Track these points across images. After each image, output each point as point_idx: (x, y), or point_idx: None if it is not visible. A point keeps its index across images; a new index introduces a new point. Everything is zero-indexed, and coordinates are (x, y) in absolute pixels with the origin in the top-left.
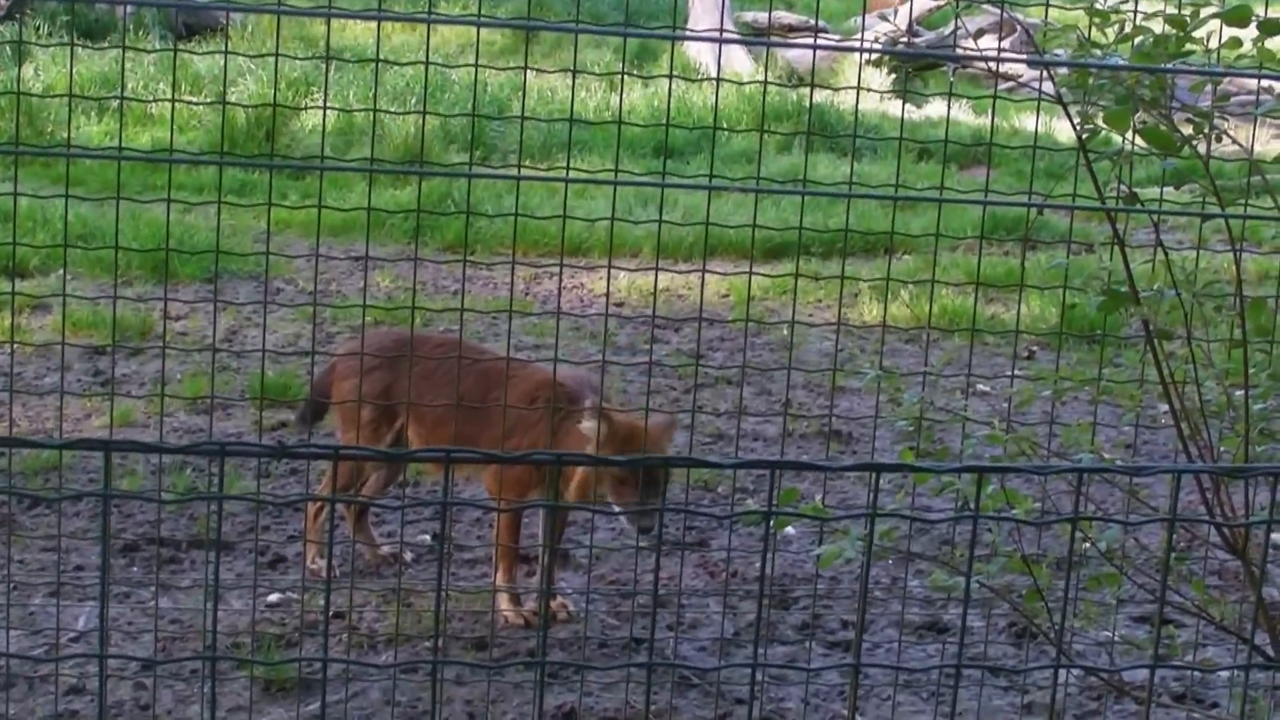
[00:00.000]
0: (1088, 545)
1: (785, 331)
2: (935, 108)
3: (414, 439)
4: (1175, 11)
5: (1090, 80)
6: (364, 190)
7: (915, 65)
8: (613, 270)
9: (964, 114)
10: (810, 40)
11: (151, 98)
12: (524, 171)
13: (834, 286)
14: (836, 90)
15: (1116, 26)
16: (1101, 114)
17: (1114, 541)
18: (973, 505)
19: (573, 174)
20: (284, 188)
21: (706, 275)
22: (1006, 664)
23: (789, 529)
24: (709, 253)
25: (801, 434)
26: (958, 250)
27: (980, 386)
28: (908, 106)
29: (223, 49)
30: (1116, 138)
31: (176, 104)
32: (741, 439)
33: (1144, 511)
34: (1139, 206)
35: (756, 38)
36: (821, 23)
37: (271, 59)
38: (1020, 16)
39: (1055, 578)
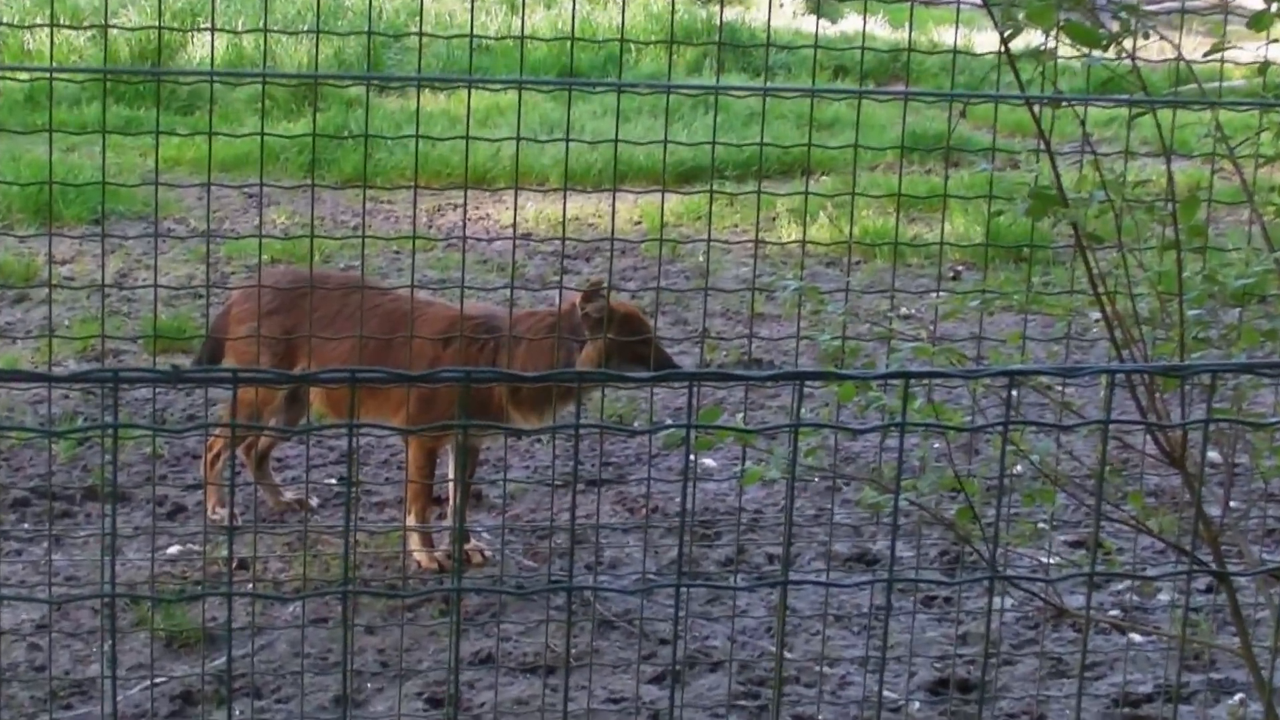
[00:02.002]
0: (1020, 465)
1: (700, 257)
2: (850, 22)
3: (313, 391)
4: None
5: None
6: (255, 124)
7: None
8: (520, 198)
9: (880, 28)
10: None
11: (28, 25)
12: (424, 99)
13: (750, 209)
14: (748, 7)
15: None
16: (1024, 11)
17: (1047, 454)
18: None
19: (479, 98)
20: (171, 124)
21: (617, 201)
22: (938, 591)
23: (709, 460)
24: (620, 179)
25: (720, 364)
26: (878, 169)
27: (904, 310)
28: (822, 21)
29: None
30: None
31: (56, 32)
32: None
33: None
34: (1065, 100)
35: None
36: None
37: None
38: None
39: (988, 500)
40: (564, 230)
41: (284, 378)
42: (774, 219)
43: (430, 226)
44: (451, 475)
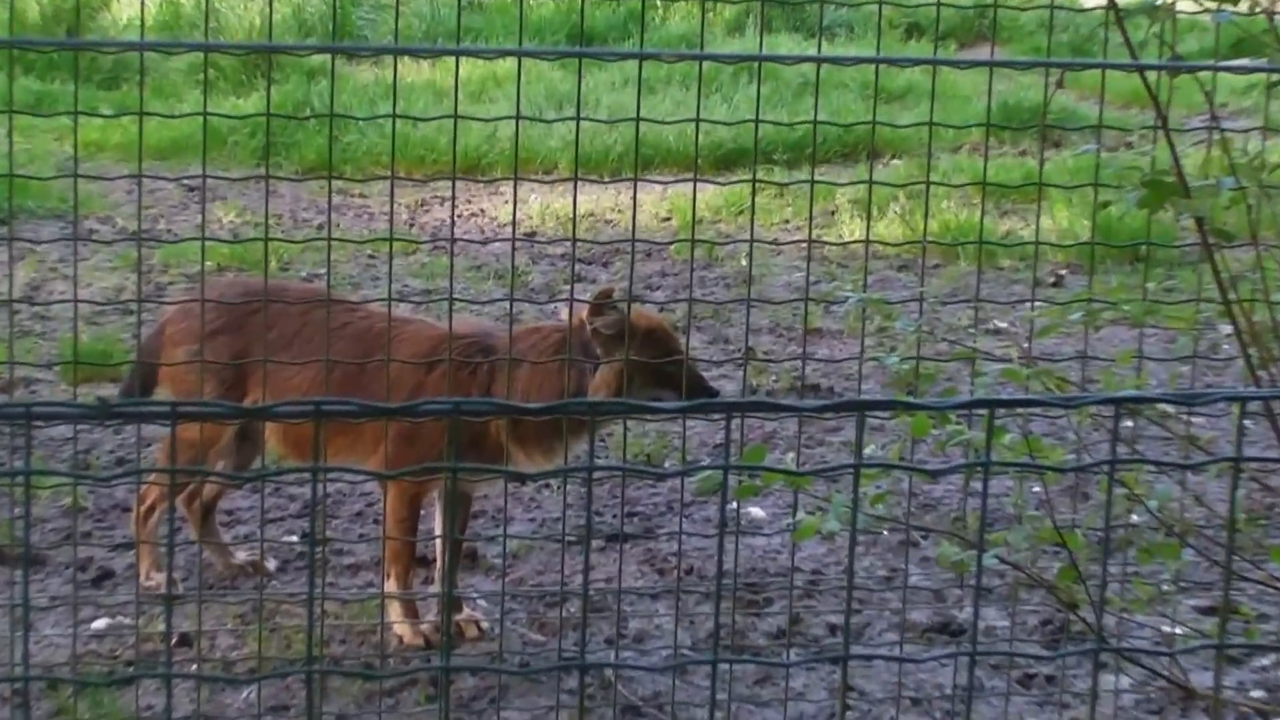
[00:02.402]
0: (1136, 514)
1: (743, 261)
2: None
3: (269, 427)
4: None
5: None
6: (196, 100)
7: None
8: (522, 190)
9: None
10: None
11: None
12: (403, 69)
13: (803, 201)
14: None
15: None
16: None
17: (1168, 499)
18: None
19: (470, 68)
20: (93, 101)
21: (641, 193)
22: (1038, 668)
23: (755, 509)
24: (643, 166)
25: (768, 390)
26: (960, 151)
27: (993, 324)
28: None
29: None
30: None
31: None
32: None
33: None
34: (1186, 66)
35: None
36: None
37: None
38: None
39: (1096, 556)
40: (575, 229)
41: (233, 411)
42: (833, 213)
43: (412, 225)
44: (439, 530)
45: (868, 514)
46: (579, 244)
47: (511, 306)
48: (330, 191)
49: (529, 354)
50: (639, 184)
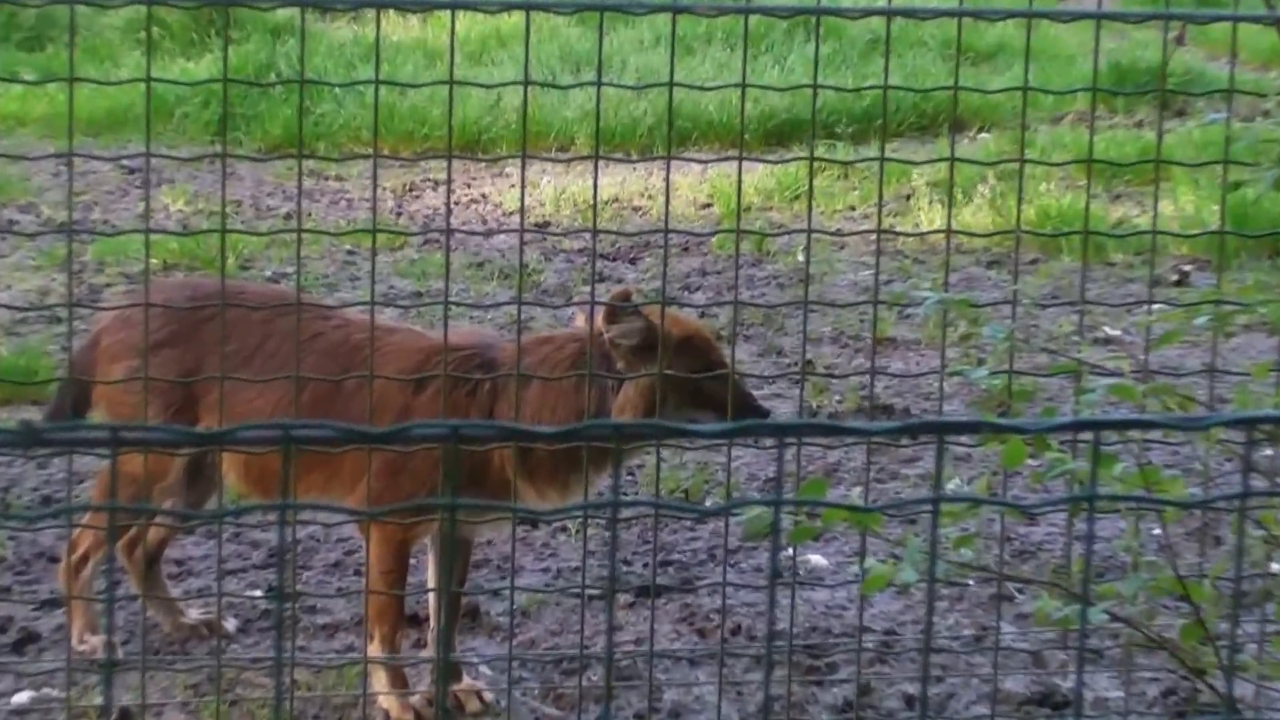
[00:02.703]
0: (1273, 559)
1: (800, 255)
2: None
3: (228, 458)
4: None
5: None
6: (138, 64)
7: None
8: (532, 170)
9: None
10: None
11: None
12: (387, 25)
13: (872, 182)
14: None
15: None
16: None
17: None
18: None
19: (469, 23)
20: (12, 65)
21: (676, 173)
22: None
23: (816, 556)
24: (679, 142)
25: (831, 412)
26: (1063, 121)
27: (1106, 329)
28: None
29: None
30: None
31: None
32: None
33: None
34: None
35: None
36: None
37: None
38: None
39: (1227, 611)
40: (595, 218)
41: (185, 438)
42: (908, 197)
43: (399, 214)
44: (433, 582)
45: (951, 561)
46: (601, 236)
47: (520, 311)
48: (300, 173)
49: (540, 369)
50: (673, 163)
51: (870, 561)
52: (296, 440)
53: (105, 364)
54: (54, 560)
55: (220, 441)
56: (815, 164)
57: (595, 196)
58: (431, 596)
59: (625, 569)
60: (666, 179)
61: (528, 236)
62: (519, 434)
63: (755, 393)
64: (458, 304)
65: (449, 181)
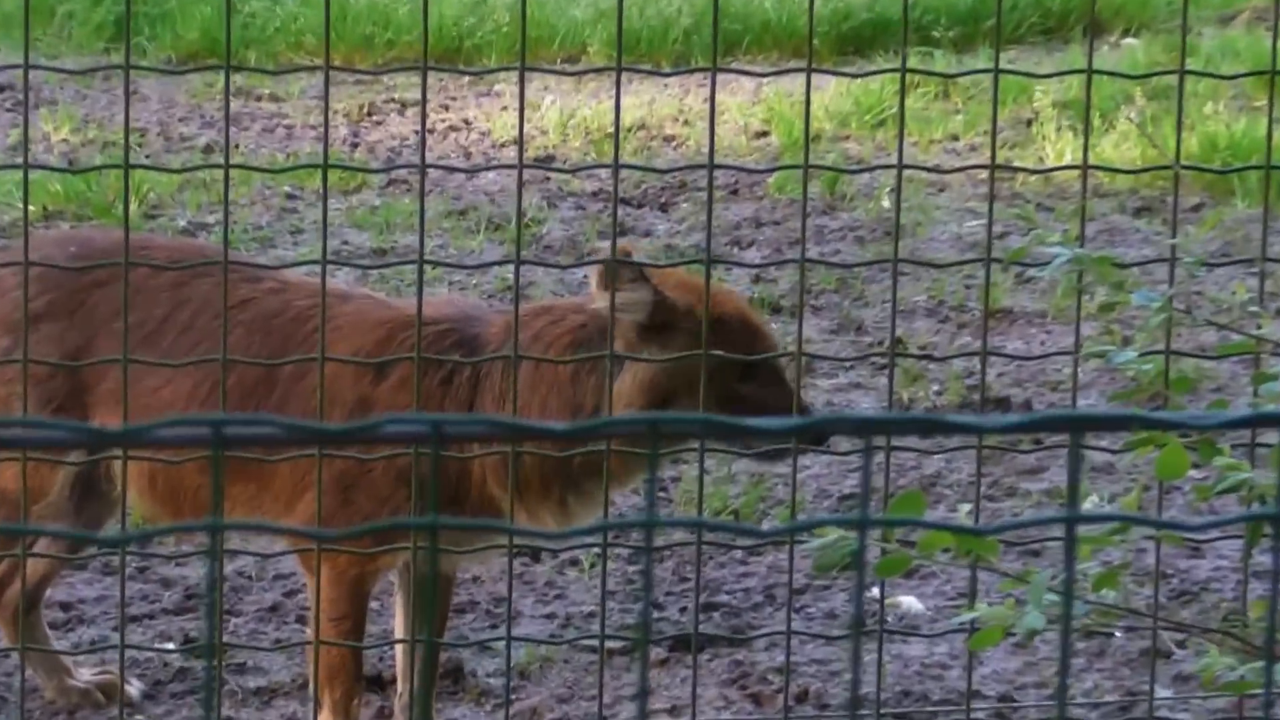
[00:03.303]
0: None
1: (886, 200)
2: None
3: (131, 466)
4: None
5: None
6: None
7: None
8: (531, 87)
9: None
10: None
11: None
12: None
13: (981, 104)
14: None
15: None
16: None
17: None
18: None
19: None
20: None
21: (723, 91)
22: None
23: (909, 598)
24: (726, 50)
25: (930, 402)
26: (1234, 22)
27: None
28: None
29: None
30: None
31: None
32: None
33: None
34: None
35: None
36: None
37: None
38: None
39: None
40: (617, 149)
41: (79, 438)
42: (1029, 123)
43: (355, 146)
44: (403, 632)
45: (1090, 603)
46: (624, 173)
47: (518, 273)
48: (228, 92)
49: (533, 347)
50: (719, 78)
51: (983, 606)
52: (230, 440)
53: None
54: None
55: (124, 443)
56: (907, 78)
57: (617, 121)
58: (400, 651)
59: (657, 614)
60: (711, 99)
61: (527, 175)
62: (520, 431)
63: (827, 383)
64: (434, 263)
65: (423, 102)
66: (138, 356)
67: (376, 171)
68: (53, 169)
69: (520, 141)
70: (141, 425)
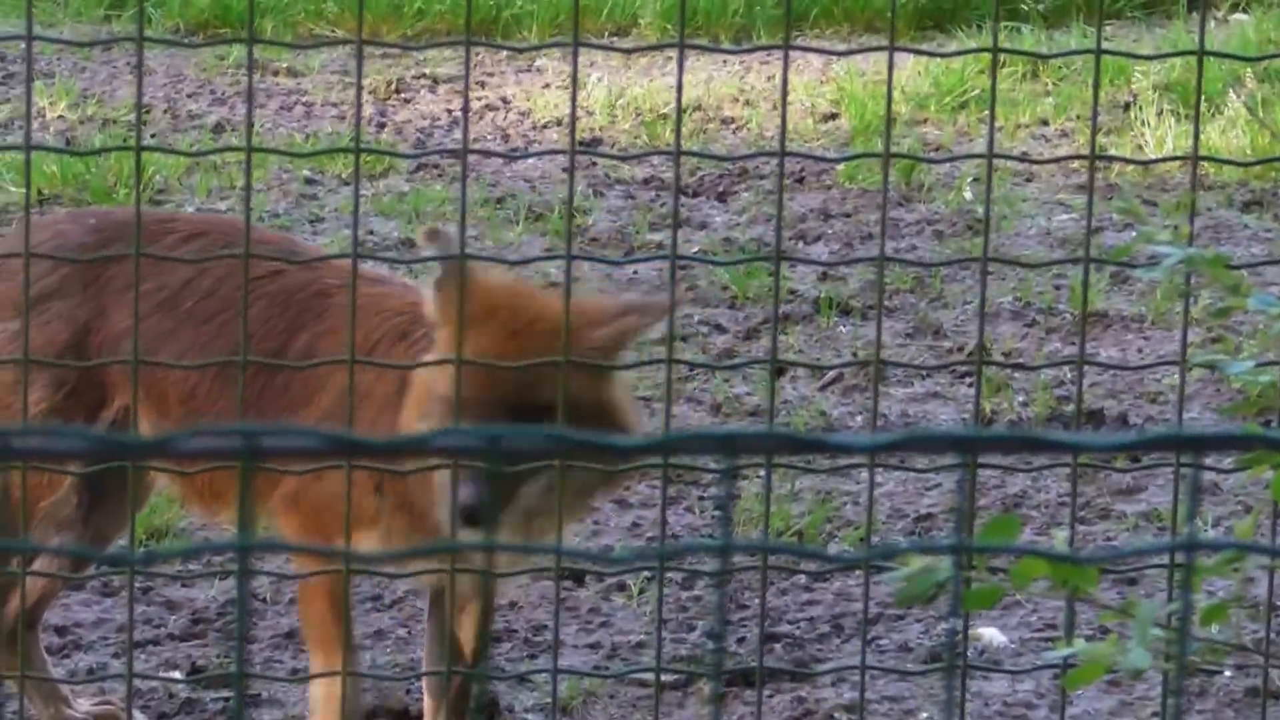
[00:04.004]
0: None
1: (967, 191)
2: None
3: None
4: None
5: None
6: None
7: None
8: (583, 62)
9: None
10: None
11: None
12: None
13: (1075, 85)
14: None
15: None
16: None
17: None
18: None
19: None
20: None
21: (792, 70)
22: None
23: (991, 630)
24: (793, 25)
25: (1015, 414)
26: None
27: None
28: None
29: None
30: None
31: None
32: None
33: None
34: None
35: None
36: None
37: None
38: None
39: None
40: (679, 131)
41: (97, 447)
42: (1126, 107)
43: (382, 126)
44: (432, 661)
45: (1200, 640)
46: (685, 159)
47: (569, 269)
48: (251, 67)
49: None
50: (789, 53)
51: (1080, 643)
52: (261, 454)
53: None
54: None
55: (148, 454)
56: (997, 57)
57: (679, 103)
58: (428, 683)
59: (710, 646)
60: (784, 79)
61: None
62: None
63: (902, 392)
64: (475, 257)
65: (466, 79)
66: (154, 321)
67: (413, 156)
68: (60, 150)
69: (573, 124)
70: (168, 435)
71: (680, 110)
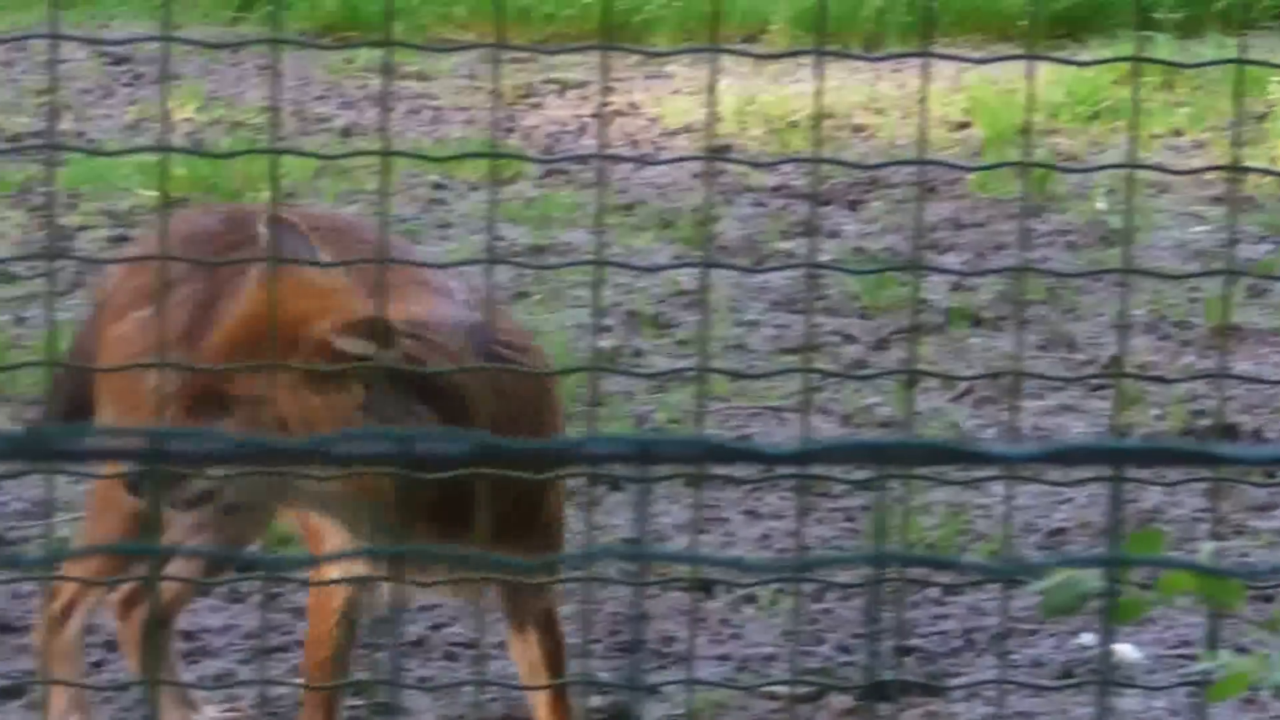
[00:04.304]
0: None
1: (1100, 201)
2: None
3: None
4: None
5: None
6: None
7: None
8: (700, 68)
9: None
10: None
11: None
12: None
13: (1212, 94)
14: None
15: None
16: None
17: None
18: None
19: None
20: None
21: (918, 76)
22: None
23: (1125, 647)
24: (924, 33)
25: (1149, 428)
26: None
27: None
28: None
29: None
30: None
31: None
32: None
33: None
34: None
35: None
36: None
37: None
38: None
39: None
40: (819, 139)
41: (243, 451)
42: (1262, 117)
43: (509, 131)
44: (527, 672)
45: None
46: (808, 166)
47: (705, 276)
48: (388, 72)
49: None
50: (928, 61)
51: (1225, 657)
52: (419, 462)
53: (112, 327)
54: (6, 629)
55: (303, 459)
56: (1129, 66)
57: (818, 111)
58: (542, 697)
59: (842, 659)
60: (924, 86)
61: (701, 167)
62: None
63: (1034, 404)
64: (613, 264)
65: (602, 86)
66: None
67: (548, 161)
68: (197, 153)
69: (709, 129)
70: (325, 438)
71: (819, 117)
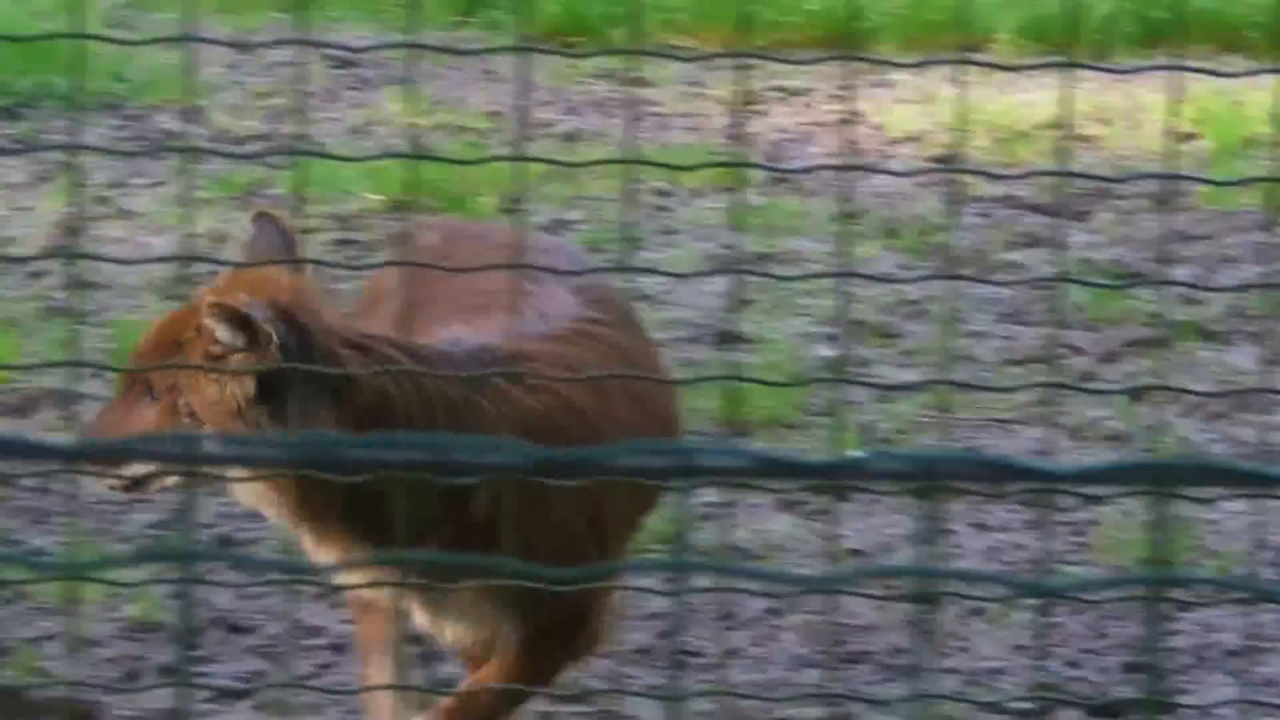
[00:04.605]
0: None
1: None
2: None
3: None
4: None
5: None
6: None
7: None
8: (924, 77)
9: None
10: None
11: None
12: None
13: None
14: None
15: None
16: None
17: None
18: None
19: None
20: None
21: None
22: None
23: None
24: (1152, 43)
25: None
26: None
27: None
28: None
29: None
30: None
31: None
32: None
33: None
34: None
35: None
36: None
37: None
38: None
39: None
40: (1060, 155)
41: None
42: None
43: (735, 138)
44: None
45: None
46: (1031, 180)
47: (951, 289)
48: (631, 78)
49: None
50: (1143, 74)
51: None
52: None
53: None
54: (236, 629)
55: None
56: None
57: (1062, 122)
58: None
59: (1070, 674)
60: (1170, 97)
61: (929, 177)
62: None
63: (1259, 419)
64: (859, 275)
65: (844, 96)
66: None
67: (794, 172)
68: (440, 159)
69: (956, 140)
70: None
71: (1069, 130)
